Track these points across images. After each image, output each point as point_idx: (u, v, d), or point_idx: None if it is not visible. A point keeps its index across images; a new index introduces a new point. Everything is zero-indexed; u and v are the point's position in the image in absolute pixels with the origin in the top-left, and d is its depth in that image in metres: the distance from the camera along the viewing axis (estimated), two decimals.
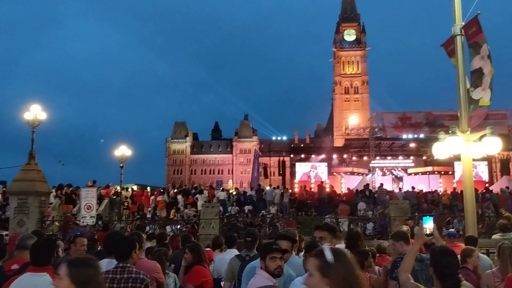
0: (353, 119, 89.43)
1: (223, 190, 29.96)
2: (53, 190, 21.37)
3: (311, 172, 37.87)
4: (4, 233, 14.18)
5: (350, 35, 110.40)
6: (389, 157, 41.29)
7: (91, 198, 16.63)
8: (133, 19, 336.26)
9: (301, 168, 38.74)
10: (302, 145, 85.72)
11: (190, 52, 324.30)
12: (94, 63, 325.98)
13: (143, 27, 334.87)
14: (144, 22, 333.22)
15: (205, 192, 26.28)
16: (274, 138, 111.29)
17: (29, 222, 14.84)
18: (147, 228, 15.98)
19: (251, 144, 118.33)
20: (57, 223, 17.44)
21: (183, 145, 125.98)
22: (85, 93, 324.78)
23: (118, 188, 28.05)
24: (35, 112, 17.27)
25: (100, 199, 22.80)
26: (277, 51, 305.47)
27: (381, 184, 30.74)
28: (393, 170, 39.94)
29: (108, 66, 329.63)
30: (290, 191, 29.20)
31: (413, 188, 28.35)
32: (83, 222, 15.95)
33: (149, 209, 25.19)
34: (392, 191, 28.14)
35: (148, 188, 33.94)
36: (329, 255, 2.39)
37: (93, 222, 15.90)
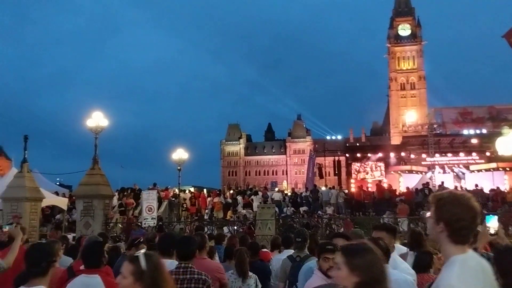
0: (410, 116, 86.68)
1: (278, 191, 30.02)
2: (116, 193, 22.26)
3: (367, 171, 37.19)
4: (72, 235, 14.90)
5: (404, 30, 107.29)
6: (449, 154, 39.71)
7: (152, 200, 17.14)
8: (188, 24, 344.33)
9: (357, 168, 38.11)
10: (357, 144, 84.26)
11: (243, 53, 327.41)
12: (152, 69, 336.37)
13: (197, 31, 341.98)
14: (199, 27, 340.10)
15: (260, 193, 26.46)
16: (328, 137, 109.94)
17: (95, 224, 15.51)
18: (206, 229, 16.30)
19: (305, 144, 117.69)
20: (120, 225, 18.13)
21: (237, 147, 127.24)
22: (144, 99, 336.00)
23: (177, 190, 28.76)
24: (97, 119, 17.94)
25: (159, 201, 23.49)
26: (330, 48, 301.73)
27: (442, 182, 29.64)
28: (454, 168, 38.38)
29: (165, 72, 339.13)
30: (346, 191, 28.81)
31: (476, 185, 27.16)
32: (145, 223, 16.48)
33: (206, 210, 25.70)
34: (454, 189, 27.08)
35: (205, 190, 34.56)
36: (142, 261, 2.68)
37: (154, 223, 16.36)
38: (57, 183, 33.90)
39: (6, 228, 4.99)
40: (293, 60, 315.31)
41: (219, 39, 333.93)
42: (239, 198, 25.74)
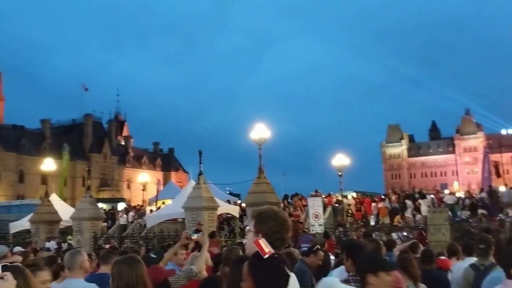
0: None
1: (450, 193, 28.04)
2: (281, 200, 23.08)
3: None
4: (245, 241, 15.84)
5: None
6: None
7: (317, 207, 17.40)
8: (338, 27, 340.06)
9: None
10: None
11: (398, 50, 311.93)
12: (306, 76, 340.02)
13: (347, 33, 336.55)
14: (349, 28, 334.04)
15: (428, 196, 25.08)
16: (503, 131, 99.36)
17: None
18: (373, 235, 15.89)
19: (476, 141, 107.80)
20: None
21: (399, 149, 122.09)
22: (299, 106, 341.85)
23: (339, 196, 28.66)
24: (260, 131, 18.80)
25: (323, 207, 23.67)
26: (497, 33, 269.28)
27: None
28: None
29: (319, 77, 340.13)
30: None
31: None
32: (312, 230, 16.75)
33: (371, 216, 25.13)
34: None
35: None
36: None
37: (321, 230, 16.51)
38: (227, 192, 36.48)
39: (194, 236, 5.49)
40: (455, 50, 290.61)
41: (371, 38, 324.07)
42: (409, 202, 24.64)
